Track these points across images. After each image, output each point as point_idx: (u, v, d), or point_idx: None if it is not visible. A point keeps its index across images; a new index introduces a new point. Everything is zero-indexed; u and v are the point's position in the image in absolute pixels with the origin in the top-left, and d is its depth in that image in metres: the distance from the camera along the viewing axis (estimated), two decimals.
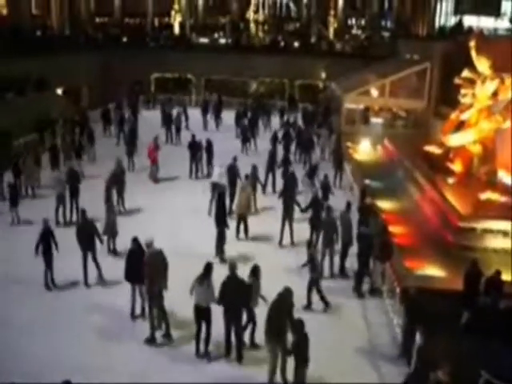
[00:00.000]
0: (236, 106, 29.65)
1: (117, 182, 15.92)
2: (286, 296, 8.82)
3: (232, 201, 16.07)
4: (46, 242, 11.49)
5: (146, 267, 9.97)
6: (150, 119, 28.72)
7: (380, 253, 11.99)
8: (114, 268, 11.69)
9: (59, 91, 30.21)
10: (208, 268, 9.47)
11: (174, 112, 26.53)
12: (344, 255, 12.90)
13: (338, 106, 29.64)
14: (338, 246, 12.93)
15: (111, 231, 13.27)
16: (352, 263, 12.68)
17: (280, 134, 22.86)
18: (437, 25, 41.35)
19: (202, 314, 9.40)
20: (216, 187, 15.76)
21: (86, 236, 11.88)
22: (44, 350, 9.44)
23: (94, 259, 12.03)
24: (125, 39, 40.34)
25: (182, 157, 20.45)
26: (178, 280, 10.20)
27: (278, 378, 8.80)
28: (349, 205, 13.76)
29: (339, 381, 8.87)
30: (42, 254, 11.47)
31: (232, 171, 16.43)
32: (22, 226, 14.80)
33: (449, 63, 25.14)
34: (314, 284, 11.16)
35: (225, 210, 13.79)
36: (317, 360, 8.49)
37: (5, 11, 33.85)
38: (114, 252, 13.33)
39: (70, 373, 7.30)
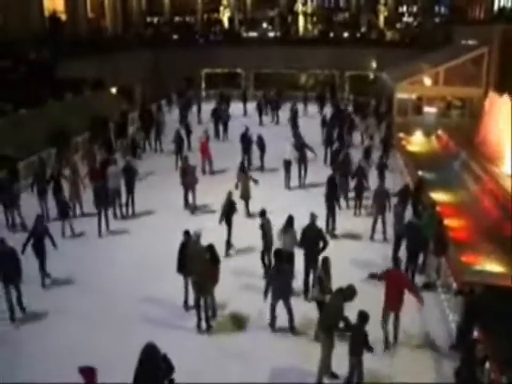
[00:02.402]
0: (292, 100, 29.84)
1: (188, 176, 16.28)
2: (346, 294, 8.63)
3: (305, 174, 18.28)
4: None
5: (186, 259, 10.25)
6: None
7: (435, 246, 11.67)
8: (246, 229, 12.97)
9: (113, 90, 31.21)
10: (290, 219, 11.34)
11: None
12: (397, 248, 12.62)
13: (389, 96, 28.95)
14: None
15: (246, 195, 15.31)
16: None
17: (327, 118, 24.36)
18: (496, 7, 39.46)
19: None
20: (289, 165, 18.00)
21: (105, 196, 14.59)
22: (99, 341, 9.79)
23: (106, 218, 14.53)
24: (175, 37, 41.11)
25: (231, 151, 20.77)
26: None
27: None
28: (401, 196, 13.52)
29: (390, 374, 8.73)
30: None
31: (303, 147, 18.40)
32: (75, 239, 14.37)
33: (509, 47, 23.94)
34: (265, 252, 11.93)
35: (336, 191, 14.69)
36: (368, 353, 8.39)
37: (64, 17, 35.27)
38: (248, 215, 15.19)
39: (122, 363, 7.57)
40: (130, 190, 16.14)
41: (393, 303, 9.37)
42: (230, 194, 13.53)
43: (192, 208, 16.23)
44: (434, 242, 11.68)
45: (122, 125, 23.62)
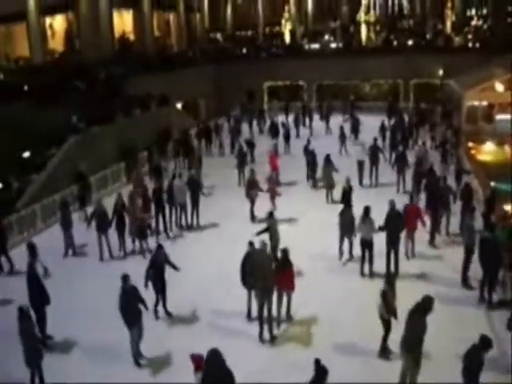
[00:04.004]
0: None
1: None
2: (425, 307, 8.29)
3: (377, 173, 19.85)
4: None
5: (253, 268, 10.34)
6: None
7: (510, 261, 11.02)
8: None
9: (179, 105, 32.21)
10: (367, 210, 12.42)
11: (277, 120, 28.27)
12: (467, 263, 12.02)
13: (457, 104, 27.87)
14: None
15: (330, 184, 17.96)
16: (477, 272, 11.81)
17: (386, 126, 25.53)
18: None
19: (367, 244, 12.49)
20: (362, 164, 19.86)
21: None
22: (165, 347, 10.05)
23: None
24: (237, 51, 41.87)
25: (294, 164, 20.99)
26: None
27: None
28: (472, 210, 13.04)
29: None
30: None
31: (374, 149, 19.94)
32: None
33: None
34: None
35: (435, 198, 14.77)
36: (439, 370, 8.04)
37: (132, 37, 36.99)
38: (332, 201, 17.50)
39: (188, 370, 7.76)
40: (195, 203, 16.53)
41: (410, 226, 13.12)
42: (347, 181, 15.86)
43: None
44: (508, 256, 11.04)
45: (184, 142, 24.05)
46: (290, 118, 29.63)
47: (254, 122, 30.48)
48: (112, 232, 14.50)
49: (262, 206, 16.51)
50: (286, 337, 10.45)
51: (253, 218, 16.60)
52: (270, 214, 13.19)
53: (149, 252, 13.97)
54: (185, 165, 22.63)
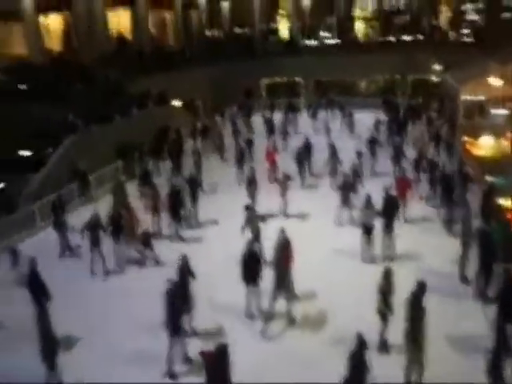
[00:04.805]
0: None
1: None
2: (421, 293, 8.44)
3: (375, 164, 21.48)
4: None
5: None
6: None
7: (505, 253, 11.16)
8: None
9: (176, 104, 32.16)
10: (369, 198, 13.53)
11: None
12: (464, 257, 12.15)
13: (453, 98, 27.97)
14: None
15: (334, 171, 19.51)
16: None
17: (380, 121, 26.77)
18: None
19: (367, 230, 13.42)
20: (361, 155, 20.86)
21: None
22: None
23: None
24: (234, 49, 41.78)
25: (290, 161, 20.99)
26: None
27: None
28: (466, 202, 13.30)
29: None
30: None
31: (371, 142, 21.71)
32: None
33: None
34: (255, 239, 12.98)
35: (452, 189, 15.61)
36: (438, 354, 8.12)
37: (130, 36, 36.89)
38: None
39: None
40: (195, 201, 16.67)
41: (401, 196, 15.40)
42: (354, 166, 17.74)
43: (283, 213, 16.86)
44: (503, 249, 11.17)
45: (178, 142, 24.08)
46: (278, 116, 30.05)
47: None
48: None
49: (265, 202, 16.94)
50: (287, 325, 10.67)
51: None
52: (247, 208, 14.01)
53: (155, 262, 13.89)
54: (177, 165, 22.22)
